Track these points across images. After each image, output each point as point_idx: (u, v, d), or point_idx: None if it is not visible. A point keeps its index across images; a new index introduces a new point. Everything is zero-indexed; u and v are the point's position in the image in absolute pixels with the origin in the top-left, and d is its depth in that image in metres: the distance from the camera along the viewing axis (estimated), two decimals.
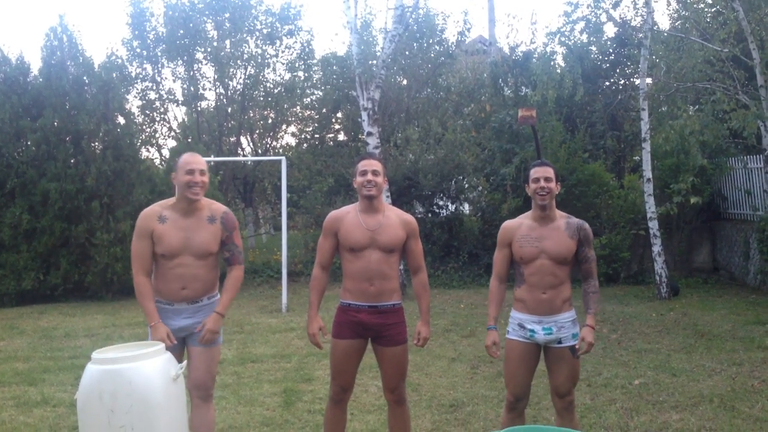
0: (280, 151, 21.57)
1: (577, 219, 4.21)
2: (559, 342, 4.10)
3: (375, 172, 4.19)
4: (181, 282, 4.13)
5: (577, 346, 4.07)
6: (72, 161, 13.21)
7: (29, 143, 13.16)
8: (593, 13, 12.95)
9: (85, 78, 13.74)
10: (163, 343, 3.93)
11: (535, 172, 4.13)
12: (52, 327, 10.09)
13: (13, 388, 6.68)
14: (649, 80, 13.24)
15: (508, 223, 4.29)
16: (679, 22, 14.35)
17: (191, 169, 4.13)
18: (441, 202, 16.49)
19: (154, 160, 19.62)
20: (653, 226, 12.27)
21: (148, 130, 20.04)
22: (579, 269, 4.21)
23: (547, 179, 4.08)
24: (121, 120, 14.13)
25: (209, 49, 19.42)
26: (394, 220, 4.24)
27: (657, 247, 12.18)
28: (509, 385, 4.21)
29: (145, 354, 3.73)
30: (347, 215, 4.25)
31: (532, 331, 4.11)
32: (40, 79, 13.60)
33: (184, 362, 3.98)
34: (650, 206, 12.30)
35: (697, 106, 13.21)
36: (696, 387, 6.37)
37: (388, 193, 13.11)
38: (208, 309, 4.24)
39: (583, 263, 4.17)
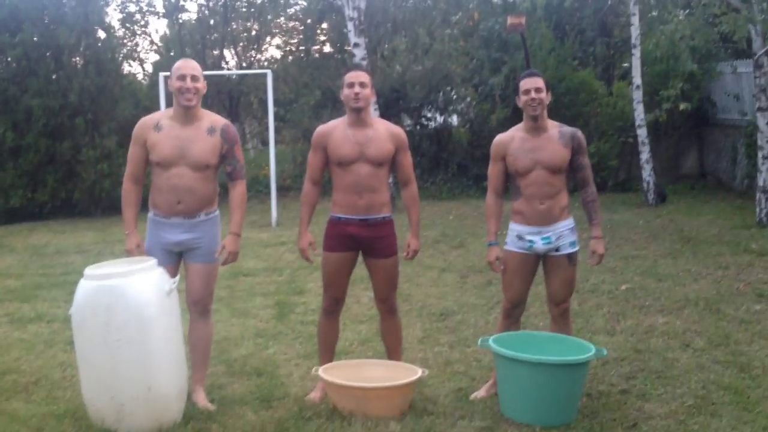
0: (265, 64, 21.18)
1: (570, 127, 4.18)
2: (557, 250, 4.13)
3: (362, 84, 4.12)
4: (175, 194, 4.02)
5: (588, 261, 4.15)
6: (54, 77, 12.92)
7: (9, 59, 12.88)
8: None
9: None
10: (154, 258, 3.94)
11: (524, 84, 4.07)
12: (42, 244, 10.11)
13: (6, 305, 6.72)
14: None
15: (500, 137, 4.25)
16: None
17: (182, 74, 3.99)
18: (429, 114, 16.35)
19: (137, 75, 19.30)
20: (642, 133, 12.26)
21: (130, 44, 19.65)
22: (574, 178, 4.20)
23: (538, 90, 4.03)
24: (101, 34, 13.80)
25: None
26: (383, 133, 4.20)
27: (645, 155, 12.21)
28: (506, 293, 4.27)
29: (138, 269, 3.75)
30: (335, 129, 4.20)
31: (531, 241, 4.13)
32: None
33: (177, 277, 3.99)
34: (639, 113, 12.26)
35: (687, 11, 12.99)
36: (682, 291, 6.49)
37: (376, 106, 12.94)
38: (206, 225, 4.16)
39: (578, 171, 4.15)
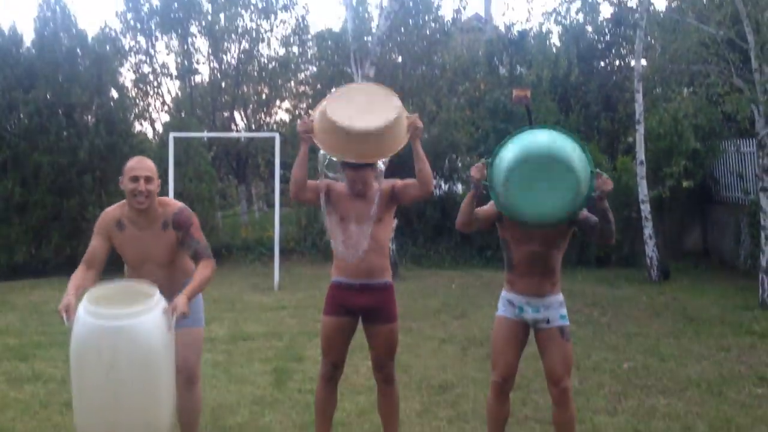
0: (274, 127, 21.44)
1: None
2: (548, 322, 4.08)
3: None
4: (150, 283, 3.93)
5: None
6: (64, 134, 13.07)
7: (21, 116, 13.05)
8: None
9: (78, 50, 13.59)
10: (158, 291, 3.70)
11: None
12: (43, 301, 10.07)
13: (4, 363, 6.68)
14: (644, 61, 13.21)
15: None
16: (675, 2, 14.25)
17: (135, 176, 3.86)
18: (434, 182, 16.42)
19: (147, 134, 19.55)
20: (645, 208, 12.32)
21: (142, 104, 19.89)
22: (592, 234, 4.04)
23: None
24: (114, 93, 14.03)
25: (203, 23, 19.24)
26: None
27: (648, 230, 12.24)
28: (496, 365, 4.15)
29: (144, 310, 3.55)
30: None
31: (520, 308, 4.11)
32: (33, 51, 13.46)
33: (173, 315, 3.71)
34: (642, 189, 12.34)
35: (691, 89, 13.19)
36: (684, 372, 6.43)
37: (383, 169, 13.02)
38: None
39: (590, 225, 4.03)
